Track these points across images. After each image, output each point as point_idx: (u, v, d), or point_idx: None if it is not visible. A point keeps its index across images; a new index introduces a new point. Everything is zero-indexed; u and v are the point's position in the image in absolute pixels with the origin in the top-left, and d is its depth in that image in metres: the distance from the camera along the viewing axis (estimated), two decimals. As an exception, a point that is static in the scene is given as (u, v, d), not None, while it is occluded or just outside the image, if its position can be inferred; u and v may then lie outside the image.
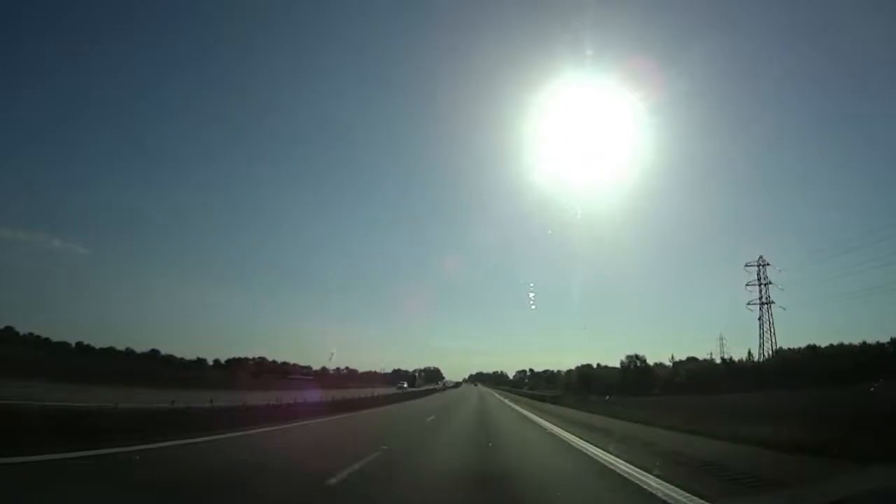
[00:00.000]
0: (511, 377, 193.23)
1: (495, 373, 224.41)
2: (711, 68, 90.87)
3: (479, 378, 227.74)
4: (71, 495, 6.42)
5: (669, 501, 6.92)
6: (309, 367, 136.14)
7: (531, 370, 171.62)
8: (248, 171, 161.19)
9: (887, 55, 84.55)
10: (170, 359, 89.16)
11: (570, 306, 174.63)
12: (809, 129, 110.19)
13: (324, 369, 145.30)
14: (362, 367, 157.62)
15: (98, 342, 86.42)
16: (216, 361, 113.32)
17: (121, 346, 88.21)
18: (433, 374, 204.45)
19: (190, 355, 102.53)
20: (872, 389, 19.91)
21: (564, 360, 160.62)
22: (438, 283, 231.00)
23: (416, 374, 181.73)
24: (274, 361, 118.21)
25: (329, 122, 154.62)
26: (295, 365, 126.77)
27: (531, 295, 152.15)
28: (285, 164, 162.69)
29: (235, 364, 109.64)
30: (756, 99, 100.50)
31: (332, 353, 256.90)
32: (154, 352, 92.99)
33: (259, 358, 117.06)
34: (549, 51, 73.56)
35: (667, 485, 7.88)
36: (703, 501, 6.66)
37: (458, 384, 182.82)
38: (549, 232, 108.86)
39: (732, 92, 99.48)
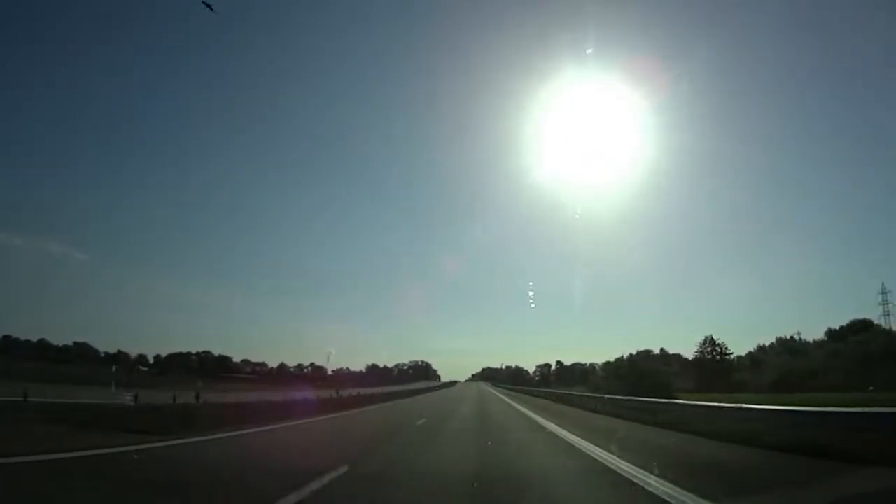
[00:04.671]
0: (531, 373, 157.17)
1: (509, 368, 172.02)
2: (713, 67, 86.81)
3: (488, 376, 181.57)
4: None
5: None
6: (264, 365, 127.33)
7: (559, 363, 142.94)
8: (244, 171, 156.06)
9: (890, 52, 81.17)
10: (91, 353, 79.71)
11: (574, 304, 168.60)
12: (813, 126, 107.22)
13: (282, 365, 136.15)
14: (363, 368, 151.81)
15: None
16: (157, 357, 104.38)
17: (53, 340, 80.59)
18: (422, 372, 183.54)
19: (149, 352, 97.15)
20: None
21: (566, 356, 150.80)
22: (439, 283, 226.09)
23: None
24: (222, 356, 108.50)
25: (328, 123, 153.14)
26: (245, 361, 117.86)
27: (531, 294, 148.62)
28: (276, 160, 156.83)
29: (176, 359, 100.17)
30: (759, 97, 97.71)
31: (331, 353, 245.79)
32: (78, 345, 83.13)
33: (203, 352, 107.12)
34: (550, 49, 72.62)
35: None
36: (706, 502, 5.67)
37: (444, 385, 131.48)
38: (555, 233, 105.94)
39: (734, 90, 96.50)
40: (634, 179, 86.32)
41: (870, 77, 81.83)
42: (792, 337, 71.66)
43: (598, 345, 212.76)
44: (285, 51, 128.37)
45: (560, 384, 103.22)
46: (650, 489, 6.36)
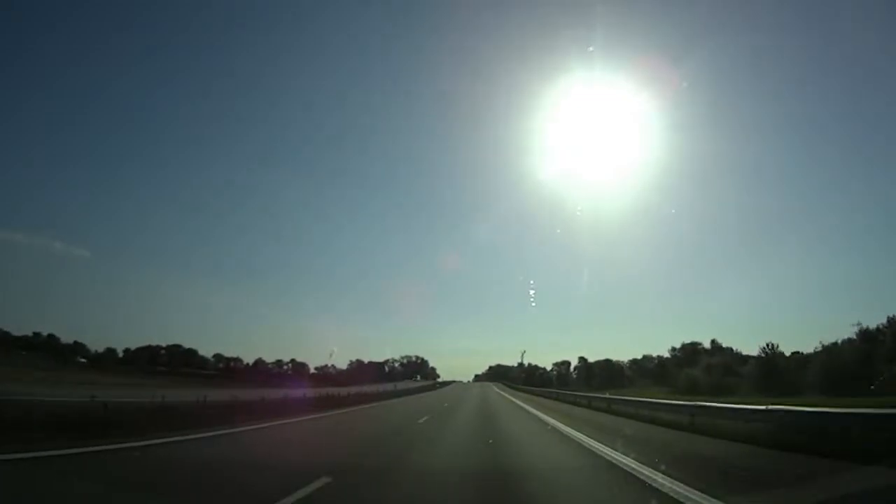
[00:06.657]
0: (548, 370, 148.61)
1: (521, 365, 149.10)
2: (720, 66, 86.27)
3: (497, 374, 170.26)
4: None
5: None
6: (238, 360, 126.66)
7: (584, 360, 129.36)
8: (243, 170, 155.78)
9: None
10: (54, 344, 79.25)
11: (587, 302, 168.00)
12: (823, 125, 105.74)
13: (259, 361, 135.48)
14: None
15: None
16: (126, 350, 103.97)
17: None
18: (416, 369, 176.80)
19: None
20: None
21: (569, 355, 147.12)
22: (443, 281, 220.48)
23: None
24: (190, 350, 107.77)
25: (328, 121, 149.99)
26: (218, 356, 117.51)
27: (532, 292, 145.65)
28: (273, 157, 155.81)
29: (144, 352, 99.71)
30: (766, 96, 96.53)
31: (333, 351, 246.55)
32: (37, 335, 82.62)
33: (172, 346, 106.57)
34: (555, 48, 72.83)
35: None
36: (715, 500, 5.95)
37: (429, 388, 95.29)
38: (558, 230, 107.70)
39: (741, 89, 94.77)
40: (644, 177, 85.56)
41: (883, 75, 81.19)
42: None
43: (614, 343, 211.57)
44: (288, 49, 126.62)
45: (585, 385, 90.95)
46: None
